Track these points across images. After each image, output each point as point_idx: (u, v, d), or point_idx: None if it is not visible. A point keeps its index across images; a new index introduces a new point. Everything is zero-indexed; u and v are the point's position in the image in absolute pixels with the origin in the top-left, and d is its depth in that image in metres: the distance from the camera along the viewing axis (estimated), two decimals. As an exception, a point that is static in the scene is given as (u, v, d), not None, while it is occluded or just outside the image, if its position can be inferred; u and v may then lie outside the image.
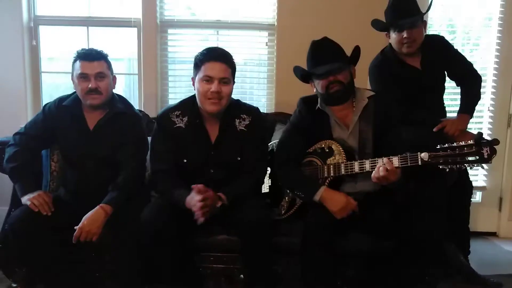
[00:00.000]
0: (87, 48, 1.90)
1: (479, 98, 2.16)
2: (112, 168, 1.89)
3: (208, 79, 1.72)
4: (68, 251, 1.86)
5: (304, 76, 1.83)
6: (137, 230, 1.68)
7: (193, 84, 1.80)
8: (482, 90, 2.20)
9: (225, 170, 1.82)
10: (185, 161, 1.81)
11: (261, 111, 2.46)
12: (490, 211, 2.81)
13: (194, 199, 1.64)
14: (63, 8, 2.69)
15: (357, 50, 1.77)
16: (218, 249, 1.86)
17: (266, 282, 1.74)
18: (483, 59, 2.70)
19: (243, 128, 1.83)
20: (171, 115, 1.83)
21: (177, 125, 1.81)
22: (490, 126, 2.75)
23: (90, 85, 1.81)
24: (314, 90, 1.84)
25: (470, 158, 1.48)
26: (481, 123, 2.76)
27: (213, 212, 1.67)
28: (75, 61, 1.85)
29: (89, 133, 1.89)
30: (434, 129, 2.01)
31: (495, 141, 1.48)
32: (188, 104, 1.84)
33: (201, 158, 1.81)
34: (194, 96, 1.83)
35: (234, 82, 1.81)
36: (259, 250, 1.67)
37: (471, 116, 2.11)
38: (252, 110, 1.88)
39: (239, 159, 1.82)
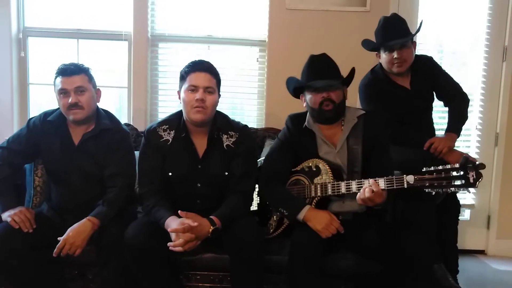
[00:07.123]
0: (67, 63, 1.86)
1: (466, 118, 2.19)
2: (97, 184, 1.85)
3: (193, 89, 1.73)
4: (50, 269, 1.81)
5: (297, 88, 1.82)
6: (121, 248, 1.64)
7: (179, 97, 1.80)
8: (469, 109, 2.23)
9: (212, 185, 1.80)
10: (170, 174, 1.79)
11: (251, 126, 2.49)
12: (478, 229, 2.82)
13: (171, 228, 1.60)
14: (53, 20, 2.68)
15: (353, 72, 1.76)
16: (205, 268, 1.83)
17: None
18: (471, 79, 2.74)
19: (230, 144, 1.82)
20: (158, 129, 1.82)
21: (164, 138, 1.81)
22: (478, 145, 2.78)
23: (70, 100, 1.79)
24: (304, 105, 1.83)
25: (456, 183, 1.47)
26: (469, 141, 2.79)
27: (203, 239, 1.63)
28: (55, 77, 1.83)
29: (74, 148, 1.86)
30: (425, 147, 2.01)
31: (481, 166, 1.47)
32: (176, 118, 1.84)
33: (187, 172, 1.79)
34: (181, 111, 1.82)
35: (219, 95, 1.80)
36: (251, 269, 1.64)
37: (458, 136, 2.13)
38: (240, 127, 1.86)
39: (227, 174, 1.80)
